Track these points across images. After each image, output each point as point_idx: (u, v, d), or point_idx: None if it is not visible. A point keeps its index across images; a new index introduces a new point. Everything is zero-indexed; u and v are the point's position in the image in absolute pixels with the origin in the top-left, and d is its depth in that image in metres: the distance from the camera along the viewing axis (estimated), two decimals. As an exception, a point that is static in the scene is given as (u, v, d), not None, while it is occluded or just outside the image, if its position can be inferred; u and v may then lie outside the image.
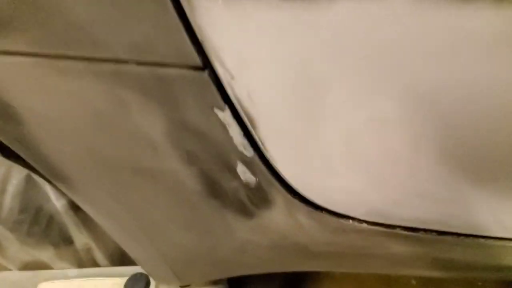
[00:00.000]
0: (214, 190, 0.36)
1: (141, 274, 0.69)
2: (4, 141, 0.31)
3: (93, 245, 0.75)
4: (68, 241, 0.74)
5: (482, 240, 0.41)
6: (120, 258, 0.83)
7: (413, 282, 1.23)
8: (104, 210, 0.37)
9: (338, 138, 0.31)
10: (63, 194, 0.67)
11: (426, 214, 0.40)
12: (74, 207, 0.69)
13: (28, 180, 0.62)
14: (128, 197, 0.36)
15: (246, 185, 0.36)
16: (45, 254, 0.72)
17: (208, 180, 0.35)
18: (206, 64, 0.27)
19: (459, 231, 0.41)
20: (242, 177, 0.35)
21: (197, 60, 0.26)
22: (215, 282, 0.63)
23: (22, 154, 0.32)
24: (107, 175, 0.33)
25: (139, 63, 0.26)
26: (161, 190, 0.35)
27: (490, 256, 0.45)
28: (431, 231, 0.41)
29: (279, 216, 0.40)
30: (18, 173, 0.61)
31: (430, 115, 0.28)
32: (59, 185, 0.36)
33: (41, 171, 0.34)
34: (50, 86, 0.27)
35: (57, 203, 0.67)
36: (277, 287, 1.24)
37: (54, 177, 0.35)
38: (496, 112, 0.26)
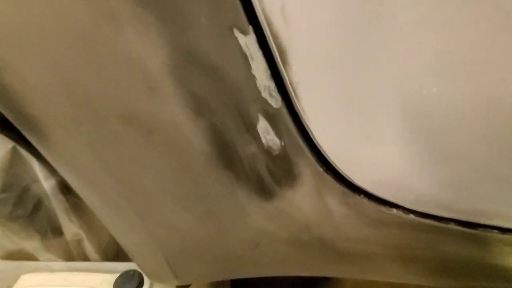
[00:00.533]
0: (226, 155, 0.28)
1: (134, 271, 0.61)
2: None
3: (84, 236, 0.67)
4: (56, 230, 0.66)
5: None
6: (114, 254, 0.75)
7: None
8: (86, 174, 0.29)
9: (400, 87, 0.23)
10: (53, 173, 0.60)
11: (494, 206, 0.31)
12: (65, 190, 0.61)
13: (14, 155, 0.55)
14: (115, 158, 0.28)
15: (267, 151, 0.28)
16: (30, 243, 0.64)
17: (219, 140, 0.27)
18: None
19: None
20: (263, 139, 0.27)
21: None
22: (218, 284, 0.55)
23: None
24: (89, 124, 0.25)
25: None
26: (157, 149, 0.27)
27: None
28: (493, 227, 0.32)
29: (305, 198, 0.32)
30: (2, 145, 0.54)
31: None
32: (31, 138, 0.28)
33: (11, 119, 0.27)
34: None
35: (46, 183, 0.59)
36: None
37: (24, 125, 0.27)
38: None
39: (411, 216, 0.32)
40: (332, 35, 0.21)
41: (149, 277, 0.52)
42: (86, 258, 0.72)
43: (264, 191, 0.31)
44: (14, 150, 0.54)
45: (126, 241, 0.39)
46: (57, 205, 0.62)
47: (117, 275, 0.62)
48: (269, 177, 0.30)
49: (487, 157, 0.26)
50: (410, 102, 0.24)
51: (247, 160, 0.29)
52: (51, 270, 0.63)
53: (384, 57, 0.22)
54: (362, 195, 0.31)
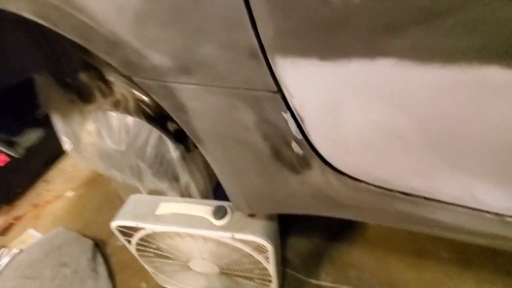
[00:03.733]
0: (278, 155, 0.62)
1: (222, 206, 1.01)
2: (175, 119, 0.61)
3: (191, 183, 1.10)
4: (176, 179, 1.10)
5: (460, 208, 0.59)
6: (207, 195, 1.17)
7: (445, 255, 1.39)
8: (216, 159, 0.67)
9: (354, 135, 0.53)
10: (177, 148, 1.01)
11: (416, 185, 0.59)
12: (184, 157, 1.03)
13: (160, 138, 0.97)
14: (229, 154, 0.64)
15: (296, 154, 0.61)
16: (163, 185, 1.09)
17: (275, 149, 0.61)
18: (279, 89, 0.51)
19: (441, 199, 0.59)
20: (294, 150, 0.60)
21: (274, 88, 0.50)
22: (271, 217, 0.92)
23: (183, 126, 0.62)
24: (221, 141, 0.61)
25: (245, 88, 0.52)
26: (247, 152, 0.62)
27: (468, 222, 0.62)
28: (420, 196, 0.61)
29: (316, 175, 0.64)
30: (155, 133, 0.95)
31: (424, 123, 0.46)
32: (196, 142, 0.65)
33: (188, 133, 0.64)
34: (205, 98, 0.54)
35: (174, 154, 1.01)
36: (316, 236, 1.50)
37: (194, 138, 0.64)
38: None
39: (372, 187, 0.63)
40: (320, 115, 0.52)
41: (234, 206, 0.90)
42: (191, 197, 1.16)
43: (295, 171, 0.65)
44: (160, 136, 0.96)
45: (227, 189, 0.77)
46: (178, 165, 1.04)
47: (213, 208, 1.02)
48: (297, 165, 0.63)
49: (407, 162, 0.55)
50: (361, 140, 0.53)
51: (287, 157, 0.62)
52: (175, 201, 1.08)
53: (343, 124, 0.52)
54: (345, 176, 0.63)
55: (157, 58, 0.51)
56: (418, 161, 0.53)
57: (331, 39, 0.42)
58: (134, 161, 0.99)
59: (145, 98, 1.02)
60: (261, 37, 0.45)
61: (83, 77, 1.05)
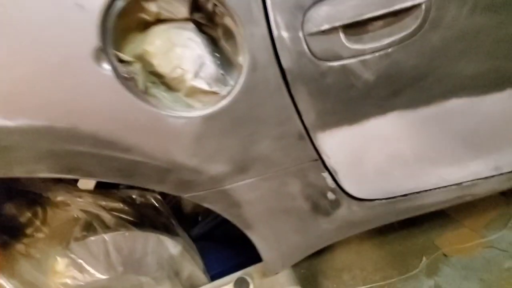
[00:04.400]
0: (315, 208, 0.72)
1: (240, 277, 0.99)
2: (224, 215, 0.62)
3: (195, 269, 1.03)
4: (176, 273, 1.01)
5: (437, 189, 0.81)
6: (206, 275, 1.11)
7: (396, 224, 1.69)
8: (263, 235, 0.71)
9: (372, 168, 0.68)
10: (178, 241, 0.95)
11: (411, 186, 0.79)
12: (185, 248, 0.97)
13: (158, 240, 0.89)
14: (275, 225, 0.69)
15: (330, 201, 0.72)
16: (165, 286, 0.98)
17: (313, 205, 0.70)
18: (319, 157, 0.62)
19: (426, 188, 0.81)
20: (329, 198, 0.71)
21: (316, 156, 0.61)
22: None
23: (233, 220, 0.63)
24: (271, 217, 0.66)
25: (294, 166, 0.60)
26: (291, 217, 0.70)
27: (442, 196, 0.86)
28: (413, 193, 0.81)
29: (343, 210, 0.77)
30: (152, 237, 0.88)
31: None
32: (244, 228, 0.67)
33: (237, 223, 0.65)
34: (259, 187, 0.59)
35: (174, 250, 0.94)
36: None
37: (244, 226, 0.66)
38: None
39: (383, 200, 0.80)
40: (349, 171, 0.65)
41: (269, 271, 0.90)
42: (195, 286, 1.08)
43: (327, 214, 0.75)
44: (158, 238, 0.88)
45: (266, 255, 0.80)
46: (179, 259, 0.97)
47: (232, 284, 0.99)
48: (330, 208, 0.74)
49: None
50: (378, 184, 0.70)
51: (323, 205, 0.72)
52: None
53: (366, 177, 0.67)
54: (365, 201, 0.78)
55: (215, 169, 0.54)
56: (411, 169, 0.74)
57: (356, 109, 0.57)
58: (134, 280, 0.86)
59: (118, 205, 0.92)
60: (305, 122, 0.56)
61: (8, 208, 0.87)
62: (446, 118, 0.64)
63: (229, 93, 0.48)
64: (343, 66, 0.51)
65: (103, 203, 0.92)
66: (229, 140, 0.52)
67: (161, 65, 0.47)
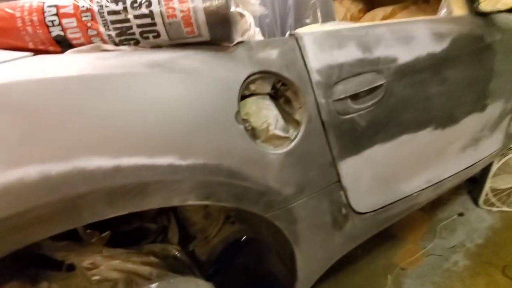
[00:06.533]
0: (335, 222, 0.98)
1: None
2: (284, 232, 0.81)
3: None
4: None
5: (425, 189, 1.17)
6: None
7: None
8: (306, 248, 0.91)
9: (374, 183, 0.99)
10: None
11: (407, 189, 1.13)
12: None
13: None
14: (312, 239, 0.91)
15: (343, 215, 0.99)
16: None
17: (334, 219, 0.96)
18: (339, 179, 0.90)
19: (419, 189, 1.16)
20: (343, 212, 0.98)
21: (337, 179, 0.89)
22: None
23: (289, 235, 0.83)
24: (313, 232, 0.88)
25: (327, 186, 0.87)
26: (321, 231, 0.93)
27: (428, 195, 1.22)
28: (410, 195, 1.15)
29: (349, 223, 1.04)
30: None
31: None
32: (293, 243, 0.87)
33: (290, 238, 0.85)
34: (308, 205, 0.83)
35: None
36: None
37: (294, 241, 0.86)
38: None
39: (382, 209, 1.10)
40: (360, 190, 0.96)
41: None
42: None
43: (340, 228, 1.01)
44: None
45: (302, 272, 0.99)
46: None
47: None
48: (343, 222, 1.00)
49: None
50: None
51: (339, 221, 0.98)
52: None
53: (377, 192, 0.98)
54: (366, 213, 1.06)
55: (288, 190, 0.76)
56: (407, 176, 1.08)
57: (359, 144, 0.90)
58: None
59: (147, 258, 0.99)
60: (333, 153, 0.85)
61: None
62: (401, 147, 1.02)
63: (295, 137, 0.76)
64: (351, 118, 0.86)
65: (135, 258, 0.98)
66: (296, 169, 0.77)
67: (256, 121, 0.72)
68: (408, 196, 1.18)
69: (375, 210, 1.10)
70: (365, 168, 0.96)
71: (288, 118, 0.79)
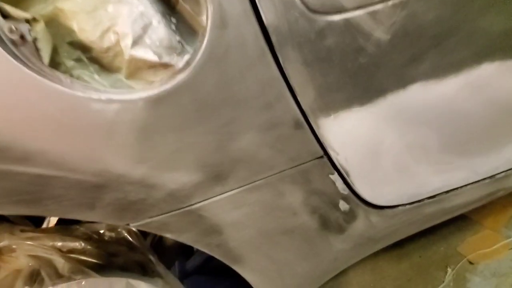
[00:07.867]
0: (325, 223, 0.55)
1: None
2: (202, 248, 0.44)
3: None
4: None
5: (468, 186, 0.66)
6: None
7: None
8: (258, 269, 0.53)
9: (391, 163, 0.53)
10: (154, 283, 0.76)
11: (438, 184, 0.64)
12: None
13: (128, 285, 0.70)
14: (275, 253, 0.52)
15: (343, 212, 0.56)
16: None
17: (322, 219, 0.54)
18: (325, 152, 0.46)
19: (456, 186, 0.65)
20: (342, 208, 0.54)
21: (320, 152, 0.46)
22: None
23: (213, 252, 0.46)
24: (267, 243, 0.49)
25: (292, 167, 0.44)
26: (294, 239, 0.53)
27: (474, 194, 0.71)
28: (441, 193, 0.66)
29: (360, 222, 0.61)
30: (119, 282, 0.68)
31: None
32: (231, 263, 0.49)
33: (220, 257, 0.47)
34: (246, 201, 0.43)
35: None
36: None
37: (230, 259, 0.49)
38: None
39: (406, 206, 0.64)
40: (363, 165, 0.50)
41: None
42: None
43: (341, 230, 0.59)
44: (127, 283, 0.69)
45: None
46: None
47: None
48: (343, 223, 0.58)
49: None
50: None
51: (334, 220, 0.56)
52: None
53: (381, 169, 0.51)
54: (385, 208, 0.61)
55: (176, 179, 0.37)
56: (437, 163, 0.59)
57: (369, 82, 0.43)
58: None
59: (78, 244, 0.73)
60: (302, 104, 0.40)
61: None
62: (477, 89, 0.50)
63: (188, 63, 0.33)
64: (347, 21, 0.37)
65: (60, 243, 0.73)
66: (194, 134, 0.36)
67: (86, 30, 0.31)
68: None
69: (416, 202, 0.64)
70: (390, 131, 0.49)
71: (193, 28, 0.36)
